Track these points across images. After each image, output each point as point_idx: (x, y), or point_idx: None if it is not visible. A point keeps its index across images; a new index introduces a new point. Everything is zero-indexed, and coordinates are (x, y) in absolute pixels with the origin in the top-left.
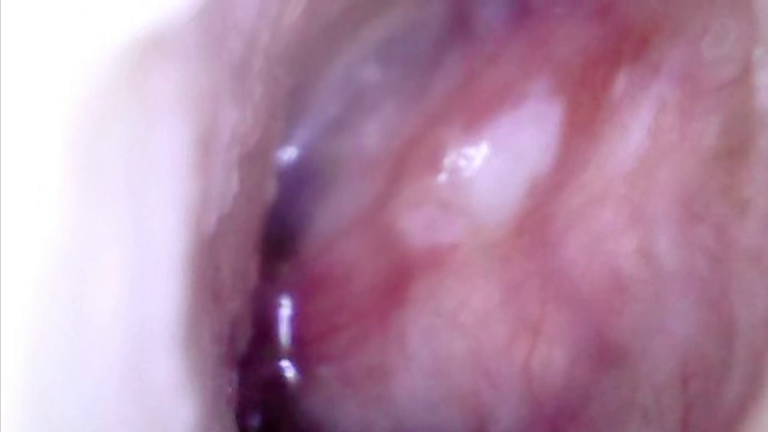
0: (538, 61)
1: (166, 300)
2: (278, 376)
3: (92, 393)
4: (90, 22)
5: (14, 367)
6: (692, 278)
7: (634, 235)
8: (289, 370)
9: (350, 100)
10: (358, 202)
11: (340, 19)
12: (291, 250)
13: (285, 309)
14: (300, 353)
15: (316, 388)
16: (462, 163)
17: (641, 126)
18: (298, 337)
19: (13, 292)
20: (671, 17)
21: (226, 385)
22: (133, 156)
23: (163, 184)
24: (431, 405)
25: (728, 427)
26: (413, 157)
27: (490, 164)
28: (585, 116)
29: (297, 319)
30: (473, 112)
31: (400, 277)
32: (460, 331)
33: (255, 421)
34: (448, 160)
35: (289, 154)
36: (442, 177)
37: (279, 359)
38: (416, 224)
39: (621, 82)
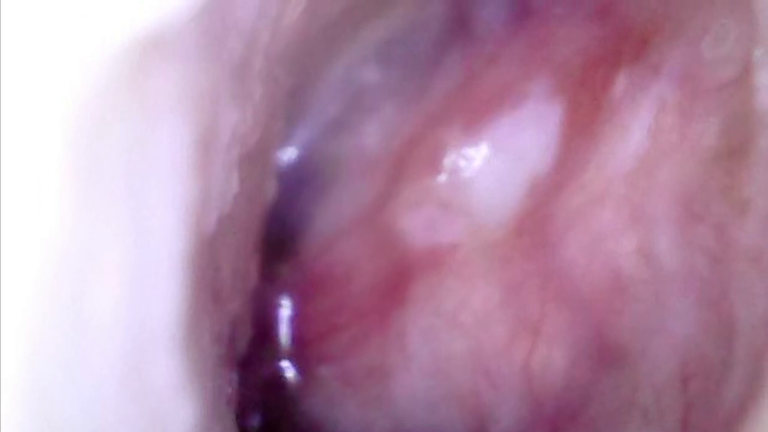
0: (538, 62)
1: (166, 300)
2: (278, 377)
3: (92, 393)
4: (90, 22)
5: (14, 367)
6: (692, 278)
7: (634, 235)
8: (289, 370)
9: (350, 100)
10: (358, 202)
11: (340, 20)
12: (291, 250)
13: (285, 309)
14: (300, 353)
15: (316, 389)
16: (462, 163)
17: (641, 126)
18: (298, 338)
19: (13, 292)
20: (671, 18)
21: (226, 385)
22: (133, 156)
23: (163, 184)
24: (431, 405)
25: (728, 427)
26: (413, 157)
27: (490, 164)
28: (585, 116)
29: (297, 319)
30: (473, 112)
31: (400, 277)
32: (460, 331)
33: (255, 421)
34: (448, 161)
35: (289, 154)
36: (442, 177)
37: (279, 359)
38: (416, 224)
39: (621, 83)
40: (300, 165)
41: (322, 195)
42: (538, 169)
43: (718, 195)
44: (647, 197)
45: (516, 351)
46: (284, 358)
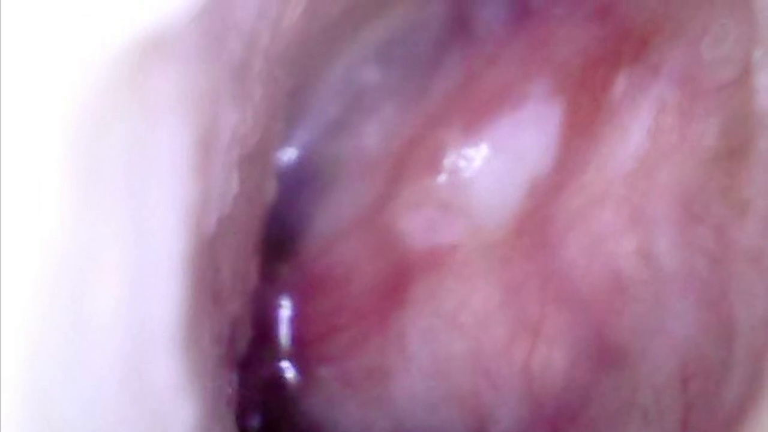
0: (537, 62)
1: (166, 300)
2: (278, 377)
3: (92, 393)
4: (90, 23)
5: (14, 367)
6: (692, 279)
7: (634, 236)
8: (289, 370)
9: (350, 101)
10: (358, 203)
11: (340, 20)
12: (291, 251)
13: (285, 310)
14: (300, 354)
15: (316, 389)
16: (462, 164)
17: (641, 127)
18: (298, 338)
19: (13, 292)
20: (671, 18)
21: (226, 386)
22: (133, 156)
23: (163, 185)
24: (431, 406)
25: (728, 428)
26: (413, 158)
27: (489, 165)
28: (585, 117)
29: (297, 320)
30: (473, 113)
31: (400, 278)
32: (460, 332)
33: (255, 421)
34: (447, 161)
35: (288, 155)
36: (442, 178)
37: (279, 360)
38: (416, 225)
39: (621, 84)
40: (300, 166)
41: (321, 196)
42: (538, 170)
43: (718, 196)
44: (647, 198)
45: (516, 352)
46: (284, 358)
